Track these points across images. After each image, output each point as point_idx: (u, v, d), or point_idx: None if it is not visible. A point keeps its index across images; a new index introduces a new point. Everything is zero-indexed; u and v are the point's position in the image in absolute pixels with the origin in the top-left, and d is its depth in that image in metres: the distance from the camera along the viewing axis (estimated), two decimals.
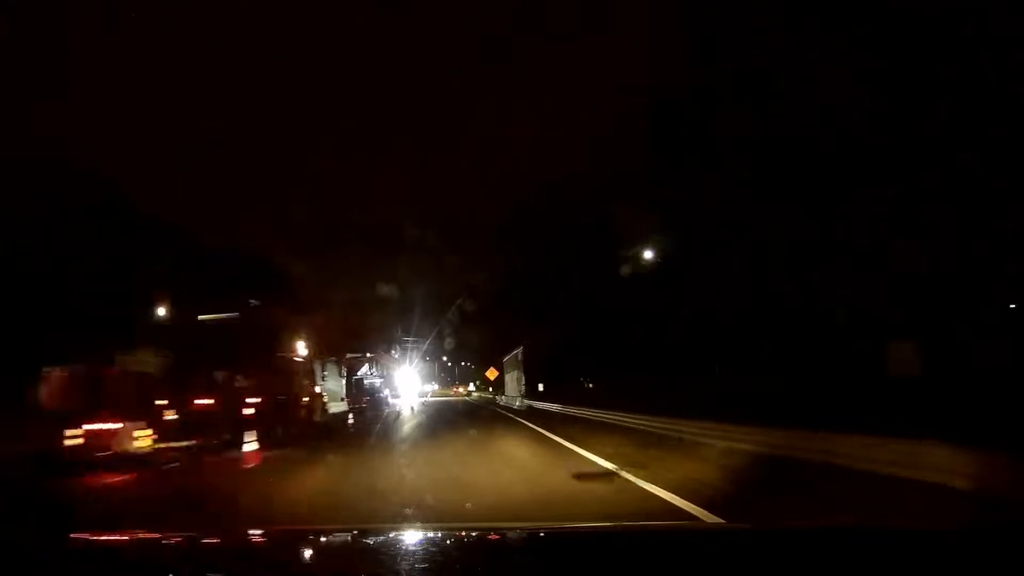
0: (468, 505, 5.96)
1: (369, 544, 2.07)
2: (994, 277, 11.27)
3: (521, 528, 2.53)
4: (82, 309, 18.39)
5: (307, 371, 19.53)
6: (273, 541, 2.21)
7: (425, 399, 49.99)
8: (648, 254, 22.97)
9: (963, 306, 11.37)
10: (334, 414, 26.21)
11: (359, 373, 38.02)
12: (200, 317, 16.97)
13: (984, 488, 4.71)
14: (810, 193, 16.02)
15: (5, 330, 16.17)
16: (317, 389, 20.87)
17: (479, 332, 53.15)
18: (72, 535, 2.11)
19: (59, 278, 18.88)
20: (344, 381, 35.11)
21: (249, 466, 10.35)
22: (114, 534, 2.37)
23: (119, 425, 10.04)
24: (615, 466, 7.85)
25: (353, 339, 39.28)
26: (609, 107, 48.78)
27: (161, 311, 20.79)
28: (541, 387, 35.68)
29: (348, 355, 37.14)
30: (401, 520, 5.31)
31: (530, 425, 16.77)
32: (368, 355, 41.66)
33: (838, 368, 13.17)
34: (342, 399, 32.64)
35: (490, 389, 53.49)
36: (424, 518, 5.50)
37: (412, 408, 32.66)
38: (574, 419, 17.76)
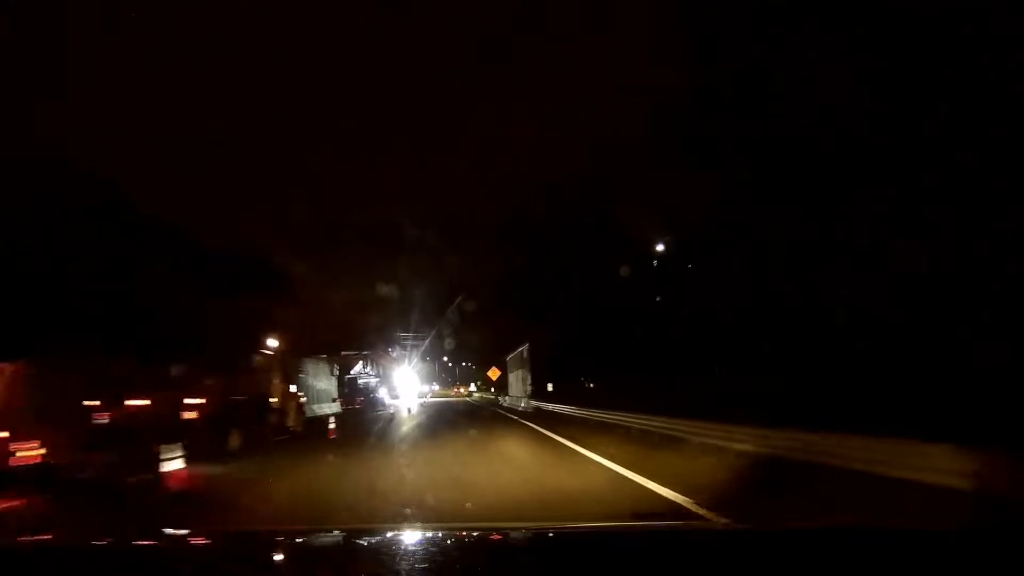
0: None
1: (369, 544, 2.06)
2: (994, 277, 11.25)
3: (522, 528, 2.52)
4: (82, 309, 18.35)
5: (278, 368, 16.68)
6: (273, 541, 2.21)
7: (424, 400, 49.21)
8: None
9: (963, 306, 11.35)
10: (321, 416, 24.29)
11: (352, 372, 36.36)
12: None
13: (984, 488, 4.71)
14: (810, 193, 16.01)
15: (5, 329, 16.15)
16: (293, 389, 18.17)
17: (479, 332, 53.09)
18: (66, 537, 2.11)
19: (58, 278, 18.85)
20: (336, 380, 33.06)
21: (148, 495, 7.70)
22: (112, 534, 2.36)
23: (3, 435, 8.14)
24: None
25: (348, 336, 37.82)
26: (609, 107, 48.79)
27: None
28: (551, 387, 33.34)
29: (343, 353, 35.24)
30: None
31: (551, 435, 14.39)
32: (363, 352, 39.55)
33: (838, 368, 13.17)
34: (334, 400, 31.02)
35: (492, 389, 52.29)
36: None
37: (409, 410, 31.00)
38: (596, 425, 15.89)
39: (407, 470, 9.37)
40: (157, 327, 15.16)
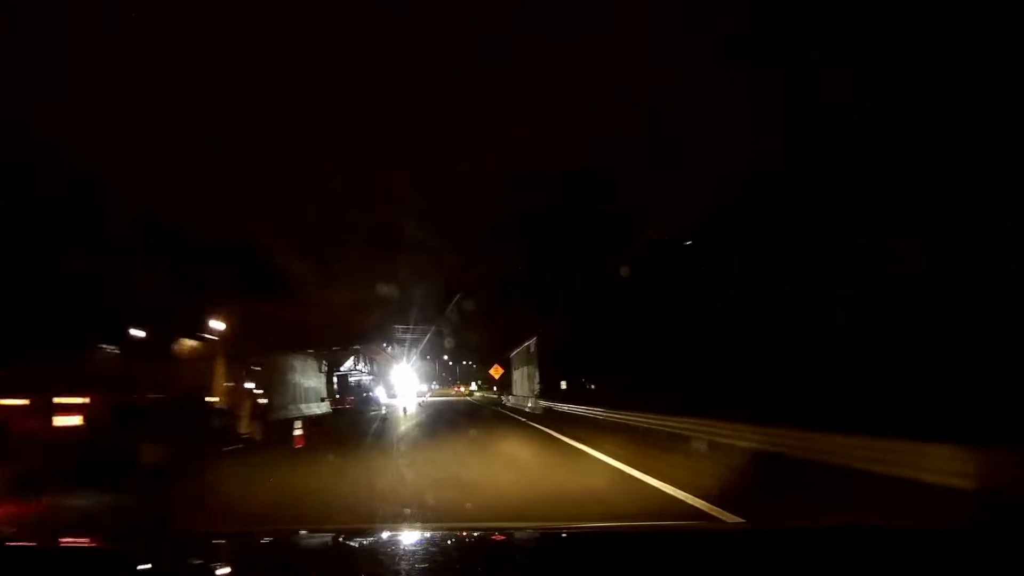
0: None
1: (369, 544, 2.06)
2: (994, 277, 11.25)
3: (524, 528, 2.52)
4: (82, 309, 18.24)
5: (222, 358, 12.96)
6: (273, 541, 2.21)
7: (423, 399, 47.78)
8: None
9: (963, 306, 11.35)
10: (306, 417, 21.64)
11: (343, 369, 33.61)
12: None
13: (984, 487, 4.71)
14: (810, 193, 16.01)
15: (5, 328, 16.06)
16: (250, 386, 14.34)
17: (480, 331, 52.78)
18: (63, 538, 2.10)
19: (58, 278, 18.77)
20: (325, 378, 30.88)
21: None
22: (114, 535, 2.36)
23: None
24: None
25: (343, 333, 33.98)
26: (609, 107, 48.77)
27: None
28: (564, 384, 30.49)
29: (333, 348, 32.45)
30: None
31: (574, 443, 11.96)
32: (353, 347, 35.84)
33: (838, 368, 13.16)
34: (322, 399, 28.96)
35: (494, 388, 50.36)
36: None
37: (405, 410, 28.15)
38: (632, 431, 13.45)
39: (390, 503, 6.68)
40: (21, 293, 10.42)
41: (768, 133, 18.89)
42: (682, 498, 6.07)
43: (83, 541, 2.17)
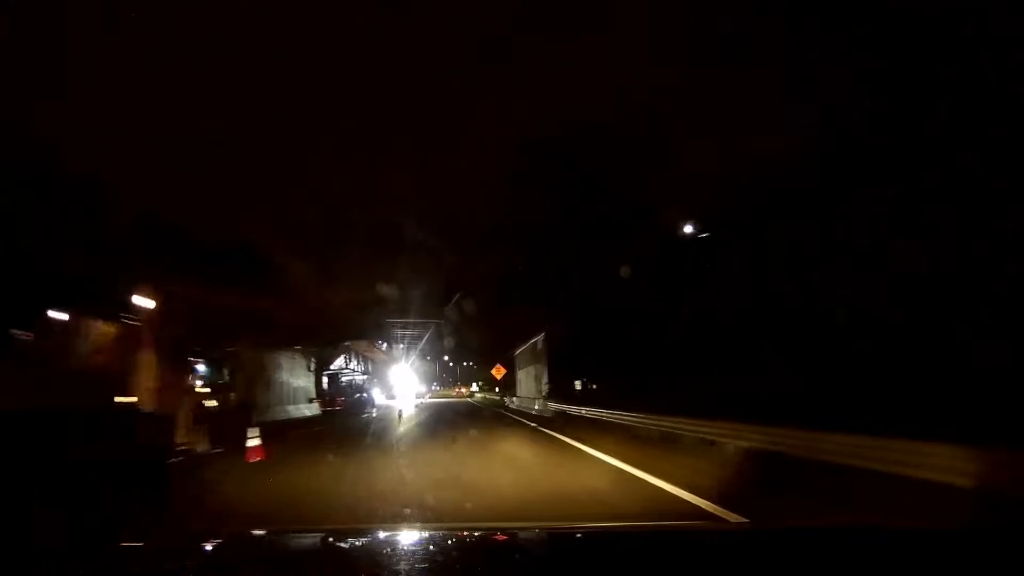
0: None
1: (369, 544, 2.06)
2: (994, 277, 11.25)
3: (526, 528, 2.51)
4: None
5: (149, 346, 9.40)
6: (273, 541, 2.20)
7: (422, 400, 46.07)
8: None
9: (963, 306, 11.35)
10: (296, 419, 20.39)
11: (333, 367, 31.40)
12: None
13: (984, 486, 4.72)
14: (810, 193, 16.01)
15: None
16: (195, 384, 11.35)
17: (480, 331, 52.57)
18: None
19: (58, 278, 18.70)
20: (314, 377, 28.91)
21: None
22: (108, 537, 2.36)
23: None
24: None
25: (334, 329, 30.96)
26: (609, 107, 48.74)
27: None
28: (579, 385, 28.00)
29: (324, 345, 30.21)
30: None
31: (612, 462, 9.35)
32: (344, 343, 32.51)
33: (838, 368, 13.15)
34: (310, 400, 27.10)
35: (496, 390, 48.72)
36: None
37: (400, 413, 25.92)
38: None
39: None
40: None
41: (768, 133, 18.89)
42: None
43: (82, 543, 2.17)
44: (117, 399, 8.39)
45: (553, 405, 23.69)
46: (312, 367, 28.37)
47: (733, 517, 5.11)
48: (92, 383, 7.94)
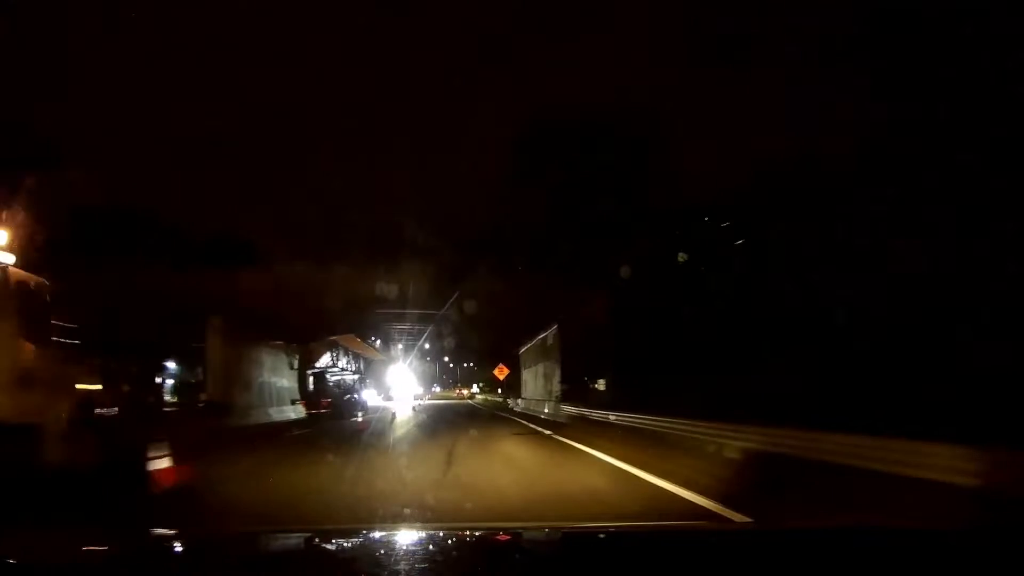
0: None
1: (369, 544, 2.05)
2: (994, 277, 11.25)
3: (528, 528, 2.51)
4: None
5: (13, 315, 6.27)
6: (273, 541, 2.20)
7: (419, 403, 42.57)
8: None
9: (963, 306, 11.35)
10: (276, 423, 18.26)
11: (319, 365, 28.27)
12: None
13: (983, 485, 4.72)
14: (810, 193, 16.02)
15: None
16: (78, 375, 8.62)
17: (481, 332, 52.35)
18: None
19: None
20: (298, 376, 26.29)
21: None
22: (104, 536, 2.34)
23: None
24: None
25: (324, 326, 28.20)
26: (609, 107, 48.72)
27: None
28: (602, 384, 24.10)
29: (310, 344, 27.52)
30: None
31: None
32: (330, 338, 29.31)
33: (838, 368, 13.16)
34: (294, 401, 24.69)
35: (499, 391, 46.43)
36: None
37: (394, 416, 23.97)
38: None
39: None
40: None
41: (768, 133, 18.90)
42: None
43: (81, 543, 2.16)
44: None
45: (567, 408, 20.10)
46: (295, 364, 25.82)
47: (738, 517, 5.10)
48: None
